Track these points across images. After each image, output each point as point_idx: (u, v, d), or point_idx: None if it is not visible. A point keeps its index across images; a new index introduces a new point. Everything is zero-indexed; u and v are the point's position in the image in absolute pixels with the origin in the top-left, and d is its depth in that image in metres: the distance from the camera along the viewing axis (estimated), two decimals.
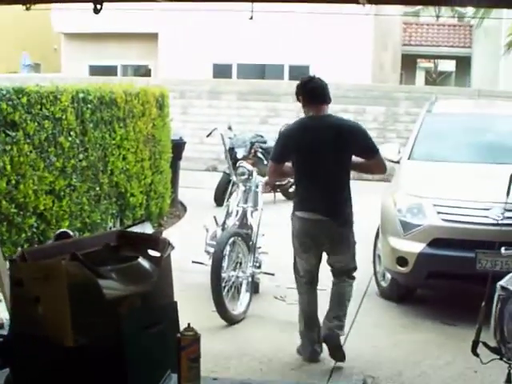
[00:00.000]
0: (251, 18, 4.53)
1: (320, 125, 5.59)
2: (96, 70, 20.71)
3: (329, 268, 5.77)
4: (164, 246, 3.93)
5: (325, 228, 5.50)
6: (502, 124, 8.29)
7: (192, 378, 2.79)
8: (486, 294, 3.44)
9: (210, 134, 8.19)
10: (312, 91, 5.64)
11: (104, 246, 3.89)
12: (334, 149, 5.52)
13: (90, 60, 21.36)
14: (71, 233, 4.47)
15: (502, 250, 4.07)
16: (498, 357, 3.35)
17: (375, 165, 5.78)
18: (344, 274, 5.71)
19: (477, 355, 3.43)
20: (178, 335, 2.84)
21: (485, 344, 3.39)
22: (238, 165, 7.35)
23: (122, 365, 3.44)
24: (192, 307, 6.79)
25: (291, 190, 12.92)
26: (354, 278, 5.77)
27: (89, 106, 8.34)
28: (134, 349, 3.47)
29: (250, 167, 7.25)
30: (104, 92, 8.81)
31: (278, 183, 12.44)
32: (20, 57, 22.82)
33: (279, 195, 12.32)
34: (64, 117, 7.75)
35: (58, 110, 7.64)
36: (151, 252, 3.96)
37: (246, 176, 7.16)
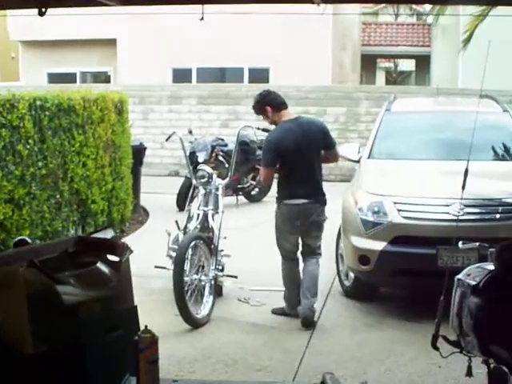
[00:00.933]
0: (202, 19, 4.57)
1: (300, 127, 6.65)
2: (55, 78, 20.54)
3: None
4: (123, 250, 3.91)
5: (312, 209, 6.58)
6: (460, 120, 8.33)
7: (151, 381, 2.77)
8: (444, 288, 3.45)
9: (169, 137, 8.15)
10: (278, 98, 6.82)
11: (62, 253, 3.86)
12: (314, 145, 6.68)
13: (48, 67, 21.16)
14: (29, 240, 4.43)
15: (460, 244, 4.09)
16: (459, 350, 3.36)
17: (333, 155, 7.03)
18: (316, 251, 6.73)
19: (437, 349, 3.44)
20: (136, 337, 2.81)
21: (445, 338, 3.40)
22: (197, 168, 7.33)
23: (83, 370, 3.42)
24: (156, 312, 6.78)
25: (253, 192, 12.97)
26: (321, 254, 6.78)
27: (47, 113, 8.26)
28: (94, 353, 3.45)
29: (209, 170, 7.23)
30: (62, 99, 8.73)
31: (239, 186, 12.47)
32: None
33: (242, 198, 12.30)
34: (21, 124, 7.67)
35: (16, 118, 7.56)
36: (110, 257, 3.93)
37: (205, 179, 7.14)
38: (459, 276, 3.35)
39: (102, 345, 3.48)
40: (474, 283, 3.10)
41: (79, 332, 3.49)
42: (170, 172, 16.27)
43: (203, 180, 7.15)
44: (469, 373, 3.44)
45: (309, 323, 6.45)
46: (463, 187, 3.92)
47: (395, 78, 33.15)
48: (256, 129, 7.89)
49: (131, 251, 3.91)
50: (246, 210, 11.49)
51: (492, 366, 3.30)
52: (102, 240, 4.06)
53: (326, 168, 15.61)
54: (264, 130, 7.79)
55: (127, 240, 10.14)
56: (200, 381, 3.22)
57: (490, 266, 3.17)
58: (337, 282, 7.67)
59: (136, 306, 3.90)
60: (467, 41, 13.43)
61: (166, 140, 8.25)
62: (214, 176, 7.22)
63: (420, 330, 6.25)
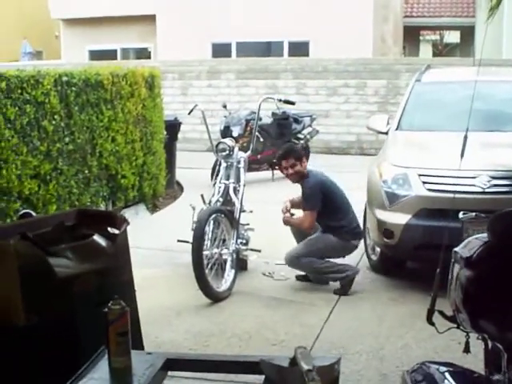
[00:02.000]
0: None
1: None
2: (96, 55, 20.64)
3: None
4: (121, 222, 3.87)
5: None
6: (493, 91, 8.12)
7: (121, 353, 2.72)
8: (441, 261, 3.34)
9: (192, 110, 8.09)
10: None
11: (59, 225, 3.82)
12: None
13: (89, 45, 21.28)
14: (33, 213, 4.42)
15: (460, 214, 3.96)
16: (455, 326, 3.24)
17: None
18: None
19: (432, 324, 3.33)
20: (105, 309, 2.76)
21: (441, 313, 3.28)
22: (218, 141, 7.27)
23: (75, 342, 3.39)
24: (178, 286, 6.80)
25: None
26: None
27: (73, 88, 8.27)
28: (86, 326, 3.42)
29: (230, 143, 7.15)
30: (89, 74, 8.72)
31: (275, 160, 12.37)
32: (20, 45, 22.79)
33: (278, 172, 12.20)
34: (47, 100, 7.69)
35: (40, 94, 7.58)
36: (110, 229, 3.89)
37: (226, 152, 7.08)
38: (456, 248, 3.23)
39: (95, 317, 3.44)
40: (467, 255, 2.98)
41: (72, 304, 3.47)
42: (209, 147, 16.19)
43: (224, 153, 7.09)
44: (466, 349, 3.33)
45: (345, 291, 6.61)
46: (462, 154, 3.75)
47: (441, 51, 32.57)
48: (278, 100, 7.76)
49: (128, 223, 3.86)
50: (281, 184, 11.40)
51: (489, 343, 3.18)
52: (101, 212, 4.03)
53: (367, 142, 15.68)
54: (286, 101, 7.67)
55: (159, 215, 10.19)
56: (174, 353, 3.17)
57: (486, 238, 3.04)
58: (364, 256, 7.57)
59: (133, 279, 3.86)
60: (495, 7, 13.01)
61: (189, 113, 8.19)
62: (236, 149, 7.15)
63: (443, 305, 6.09)
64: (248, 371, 2.92)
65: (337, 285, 6.69)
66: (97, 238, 3.73)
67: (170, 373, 2.92)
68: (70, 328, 3.45)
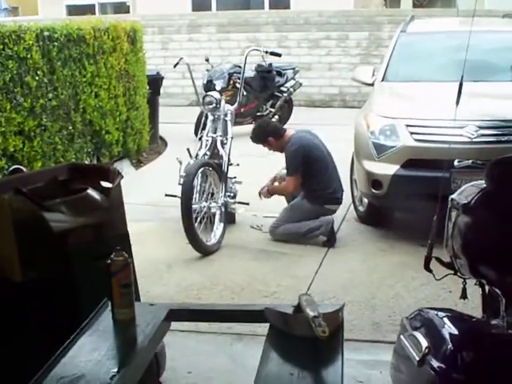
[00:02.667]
0: None
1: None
2: (74, 10, 20.36)
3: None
4: (114, 176, 3.84)
5: None
6: (478, 41, 8.06)
7: (125, 304, 2.72)
8: (438, 208, 3.35)
9: (177, 64, 8.02)
10: (277, 126, 7.33)
11: (51, 180, 3.80)
12: None
13: (66, 0, 20.97)
14: (24, 169, 4.39)
15: (455, 162, 3.97)
16: (452, 272, 3.27)
17: None
18: None
19: (430, 271, 3.36)
20: (108, 261, 2.75)
21: (438, 259, 3.31)
22: (205, 94, 7.22)
23: (72, 297, 3.39)
24: (168, 240, 6.80)
25: (273, 119, 12.83)
26: None
27: (55, 43, 8.15)
28: (83, 280, 3.41)
29: (217, 96, 7.11)
30: (71, 29, 8.60)
31: (258, 113, 12.35)
32: None
33: None
34: (29, 56, 7.57)
35: (22, 50, 7.45)
36: (103, 183, 3.87)
37: (213, 105, 7.03)
38: (453, 195, 3.25)
39: (91, 271, 3.43)
40: (464, 202, 3.00)
41: (68, 259, 3.46)
42: (191, 102, 16.10)
43: (211, 106, 7.04)
44: (463, 295, 3.37)
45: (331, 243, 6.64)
46: (457, 101, 3.75)
47: (421, 2, 32.32)
48: (264, 52, 7.70)
49: (122, 177, 3.84)
50: None
51: (486, 288, 3.22)
52: (94, 166, 4.00)
53: (350, 94, 15.66)
54: (273, 53, 7.62)
55: (143, 170, 10.15)
56: (177, 304, 3.18)
57: (484, 185, 3.06)
58: (351, 208, 7.59)
59: (128, 232, 3.85)
60: None
61: (174, 66, 8.13)
62: (223, 102, 7.10)
63: (439, 254, 6.15)
64: (252, 320, 2.94)
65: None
66: (91, 192, 3.71)
67: (171, 327, 2.93)
68: (68, 282, 3.45)
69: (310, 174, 6.75)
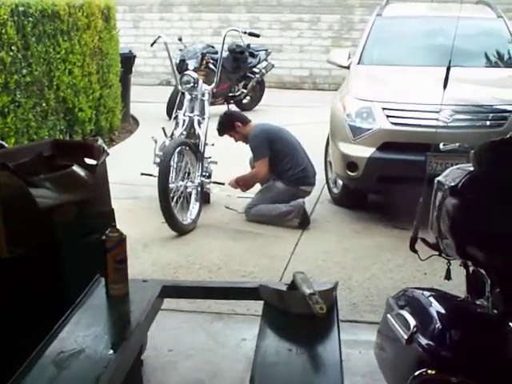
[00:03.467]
0: None
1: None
2: None
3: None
4: (99, 153, 3.84)
5: None
6: (452, 26, 8.13)
7: (119, 280, 2.74)
8: (423, 190, 3.40)
9: (154, 42, 7.97)
10: (242, 115, 7.41)
11: (37, 156, 3.78)
12: None
13: None
14: (6, 144, 4.35)
15: (441, 145, 4.01)
16: (437, 253, 3.32)
17: None
18: None
19: (415, 252, 3.40)
20: (103, 237, 2.76)
21: (423, 240, 3.36)
22: (183, 73, 7.20)
23: (58, 273, 3.39)
24: (143, 219, 6.78)
25: (245, 101, 12.85)
26: None
27: (30, 19, 8.06)
28: (69, 257, 3.41)
29: (195, 75, 7.10)
30: (46, 4, 8.51)
31: (231, 94, 12.34)
32: None
33: (233, 106, 12.16)
34: (4, 31, 7.49)
35: None
36: (87, 160, 3.87)
37: (191, 84, 7.02)
38: (439, 178, 3.29)
39: (77, 248, 3.44)
40: (452, 184, 3.04)
41: (54, 235, 3.45)
42: (162, 81, 16.09)
43: (189, 85, 7.03)
44: (447, 276, 3.42)
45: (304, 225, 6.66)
46: (445, 85, 3.79)
47: None
48: (243, 33, 7.69)
49: (108, 153, 3.84)
50: None
51: (471, 269, 3.27)
52: (78, 142, 4.00)
53: (320, 77, 15.70)
54: (251, 34, 7.62)
55: (116, 148, 10.10)
56: (170, 281, 3.20)
57: (470, 168, 3.11)
58: (326, 189, 7.63)
59: (113, 209, 3.85)
60: None
61: (151, 45, 8.09)
62: (200, 81, 7.10)
63: (407, 237, 6.19)
64: (246, 297, 2.96)
65: None
66: (76, 168, 3.70)
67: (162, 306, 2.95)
68: (54, 258, 3.44)
69: (279, 156, 6.81)
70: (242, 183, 6.98)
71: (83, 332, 2.46)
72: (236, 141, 7.15)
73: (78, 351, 2.31)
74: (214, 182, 7.06)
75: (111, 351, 2.31)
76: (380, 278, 5.52)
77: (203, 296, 3.08)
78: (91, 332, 2.46)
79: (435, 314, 2.82)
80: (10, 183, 3.41)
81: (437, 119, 6.43)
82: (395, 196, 7.24)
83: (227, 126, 7.06)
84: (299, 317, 2.53)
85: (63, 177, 3.63)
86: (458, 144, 3.73)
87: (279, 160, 6.80)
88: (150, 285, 2.86)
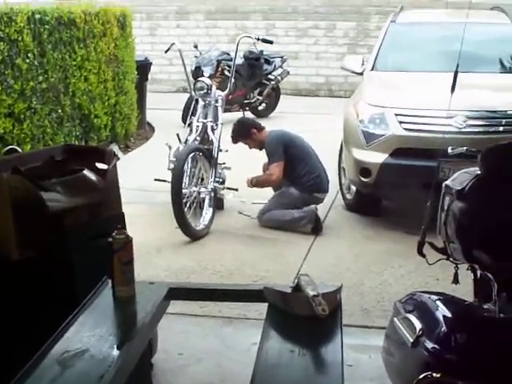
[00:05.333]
0: None
1: None
2: None
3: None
4: (110, 157, 3.87)
5: None
6: (466, 32, 8.13)
7: (126, 282, 2.77)
8: (432, 194, 3.41)
9: (169, 49, 8.02)
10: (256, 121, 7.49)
11: (48, 160, 3.82)
12: None
13: None
14: (20, 149, 4.40)
15: (449, 149, 4.02)
16: (445, 257, 3.33)
17: None
18: None
19: (423, 256, 3.42)
20: (110, 239, 2.79)
21: (431, 244, 3.37)
22: (196, 79, 7.24)
23: (68, 275, 3.41)
24: (156, 225, 6.82)
25: (260, 107, 12.89)
26: None
27: (46, 26, 8.15)
28: (79, 260, 3.44)
29: (208, 81, 7.13)
30: (62, 12, 8.60)
31: (246, 101, 12.38)
32: None
33: (248, 113, 12.21)
34: (20, 38, 7.58)
35: (14, 32, 7.46)
36: (98, 165, 3.90)
37: (204, 90, 7.05)
38: (447, 182, 3.30)
39: (87, 251, 3.47)
40: (459, 188, 3.05)
41: (65, 238, 3.48)
42: (178, 88, 16.12)
43: (202, 92, 7.06)
44: (455, 280, 3.43)
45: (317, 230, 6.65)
46: (452, 89, 3.80)
47: None
48: (256, 39, 7.72)
49: (118, 158, 3.88)
50: None
51: (478, 273, 3.28)
52: (89, 147, 4.04)
53: (336, 84, 15.71)
54: (264, 40, 7.65)
55: (131, 155, 10.16)
56: (177, 283, 3.23)
57: (477, 171, 3.12)
58: (339, 195, 7.64)
59: (123, 213, 3.87)
60: None
61: (166, 51, 8.15)
62: (213, 87, 7.13)
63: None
64: (250, 299, 2.98)
65: None
66: (87, 172, 3.74)
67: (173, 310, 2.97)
68: (64, 261, 3.47)
69: (293, 162, 6.85)
70: (255, 183, 7.03)
71: (88, 332, 2.49)
72: (250, 148, 7.17)
73: (82, 350, 2.34)
74: (228, 188, 7.09)
75: (115, 351, 2.34)
76: (391, 283, 5.52)
77: (209, 298, 3.11)
78: (96, 332, 2.49)
79: (441, 318, 2.83)
80: (22, 187, 3.44)
81: (450, 125, 6.44)
82: (408, 202, 7.26)
83: (243, 133, 7.11)
84: (303, 319, 2.55)
85: (74, 181, 3.67)
86: (465, 148, 3.74)
87: (293, 166, 6.83)
88: (157, 287, 2.89)
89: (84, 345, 2.39)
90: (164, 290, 2.84)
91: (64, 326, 2.55)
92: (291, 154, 6.85)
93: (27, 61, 7.69)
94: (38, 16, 7.99)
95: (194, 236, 6.38)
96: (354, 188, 7.22)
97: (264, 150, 7.00)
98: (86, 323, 2.60)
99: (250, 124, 7.22)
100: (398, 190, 6.69)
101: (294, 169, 6.84)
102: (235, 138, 7.16)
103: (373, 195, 7.07)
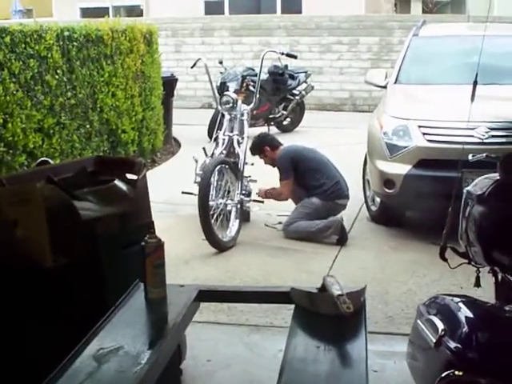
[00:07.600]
0: None
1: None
2: (87, 13, 20.55)
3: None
4: (140, 168, 3.99)
5: None
6: (488, 45, 8.18)
7: (157, 284, 2.87)
8: (453, 199, 3.48)
9: (195, 64, 8.15)
10: (275, 139, 7.45)
11: (80, 171, 3.94)
12: None
13: (80, 2, 21.16)
14: (51, 161, 4.53)
15: (469, 156, 4.10)
16: (467, 261, 3.41)
17: None
18: None
19: (445, 260, 3.49)
20: (142, 243, 2.89)
21: (453, 249, 3.44)
22: (222, 94, 7.36)
23: (99, 282, 3.52)
24: (184, 237, 6.92)
25: (285, 122, 13.00)
26: None
27: (74, 43, 8.33)
28: (111, 267, 3.54)
29: (234, 96, 7.25)
30: (90, 30, 8.78)
31: (271, 116, 12.50)
32: (10, 3, 22.63)
33: (273, 128, 12.32)
34: (49, 55, 7.75)
35: (43, 49, 7.63)
36: (128, 175, 4.02)
37: (230, 104, 7.17)
38: (468, 188, 3.39)
39: (118, 258, 3.57)
40: (479, 193, 3.13)
41: (96, 246, 3.59)
42: (204, 104, 16.30)
43: (228, 106, 7.18)
44: (477, 283, 3.50)
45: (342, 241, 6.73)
46: (472, 98, 3.88)
47: (431, 8, 32.42)
48: (280, 54, 7.83)
49: (148, 168, 3.98)
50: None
51: (499, 275, 3.35)
52: (119, 159, 4.15)
53: (360, 99, 15.80)
54: (289, 55, 7.76)
55: (158, 169, 10.30)
56: (206, 285, 3.32)
57: (497, 176, 3.20)
58: (364, 207, 7.72)
59: (153, 221, 3.97)
60: None
61: (192, 67, 8.27)
62: (239, 101, 7.24)
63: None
64: (278, 301, 3.07)
65: None
66: (118, 182, 3.85)
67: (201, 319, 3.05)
68: (95, 269, 3.58)
69: (306, 174, 6.99)
70: (265, 196, 7.19)
71: (122, 331, 2.60)
72: (265, 163, 7.31)
73: (116, 348, 2.44)
74: (254, 201, 7.19)
75: (148, 348, 2.43)
76: (416, 292, 5.57)
77: (237, 300, 3.20)
78: (129, 331, 2.59)
79: (463, 318, 2.90)
80: (55, 196, 3.56)
81: (472, 136, 6.50)
82: (432, 212, 7.32)
83: (257, 148, 7.25)
84: (328, 317, 2.63)
85: (105, 190, 3.78)
86: (485, 154, 3.81)
87: (309, 177, 6.94)
88: (187, 289, 2.99)
89: (118, 342, 2.49)
90: (194, 292, 2.94)
91: (98, 326, 2.65)
92: (303, 167, 6.99)
93: (56, 77, 7.86)
94: (66, 33, 8.17)
95: (221, 247, 6.48)
96: (378, 200, 7.29)
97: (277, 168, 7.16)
98: (120, 323, 2.70)
99: (263, 141, 7.30)
100: (421, 200, 6.73)
101: (309, 180, 6.95)
102: (252, 152, 7.30)
103: (397, 206, 7.14)
